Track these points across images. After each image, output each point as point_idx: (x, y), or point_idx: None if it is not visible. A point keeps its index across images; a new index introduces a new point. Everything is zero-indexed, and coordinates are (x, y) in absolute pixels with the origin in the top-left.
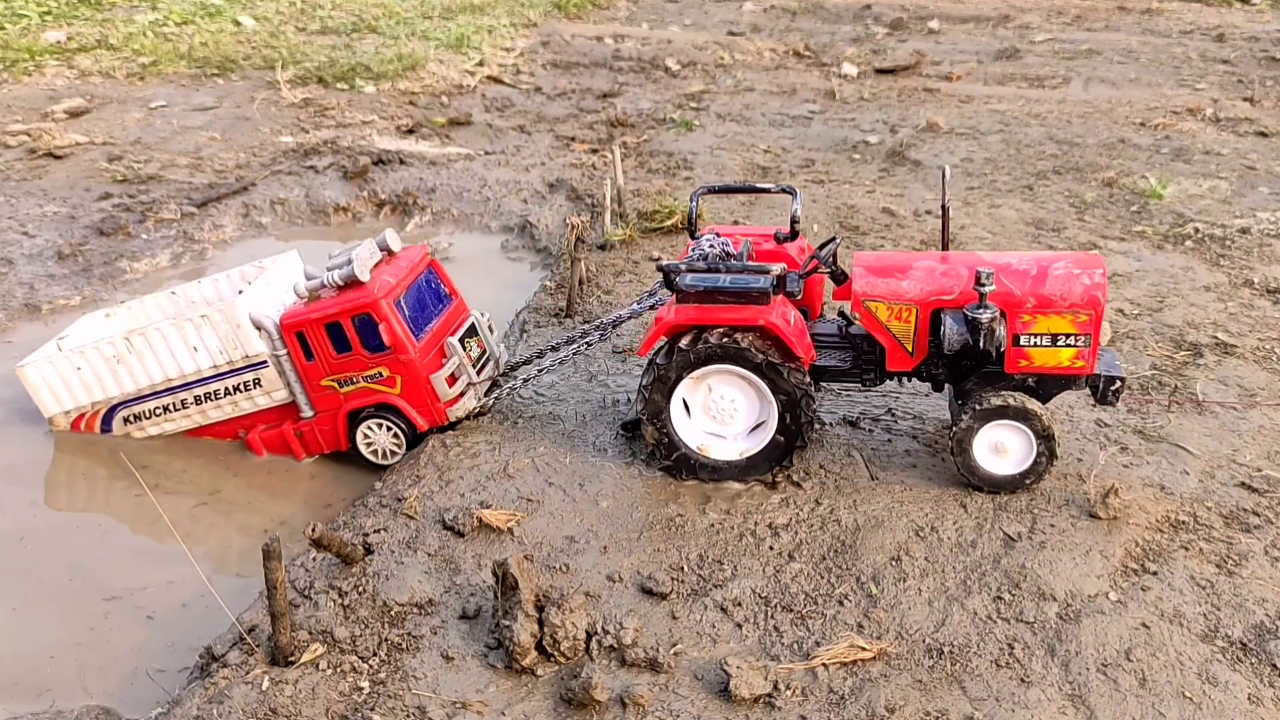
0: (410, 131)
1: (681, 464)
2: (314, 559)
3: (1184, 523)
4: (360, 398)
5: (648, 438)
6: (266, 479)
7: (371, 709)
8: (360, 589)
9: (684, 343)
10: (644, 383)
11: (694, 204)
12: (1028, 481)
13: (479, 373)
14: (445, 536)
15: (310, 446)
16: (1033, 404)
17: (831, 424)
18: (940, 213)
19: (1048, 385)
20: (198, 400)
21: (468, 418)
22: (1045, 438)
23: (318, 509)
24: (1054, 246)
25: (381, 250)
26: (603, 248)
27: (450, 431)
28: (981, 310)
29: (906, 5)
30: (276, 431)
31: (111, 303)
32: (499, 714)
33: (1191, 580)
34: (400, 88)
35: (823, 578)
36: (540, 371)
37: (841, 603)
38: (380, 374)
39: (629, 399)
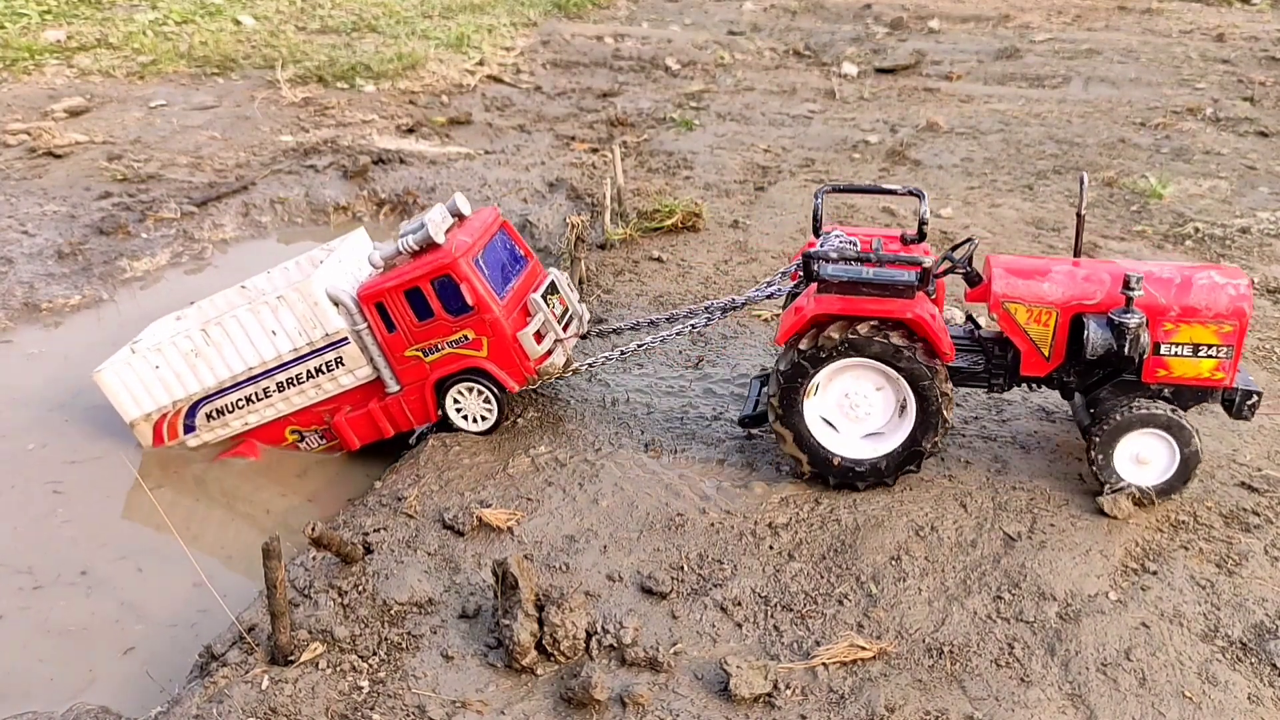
0: (410, 131)
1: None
2: (314, 558)
3: (1184, 523)
4: (447, 365)
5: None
6: (266, 478)
7: (371, 708)
8: (360, 588)
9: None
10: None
11: (818, 201)
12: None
13: (564, 330)
14: (445, 536)
15: (399, 423)
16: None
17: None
18: (1075, 219)
19: (1184, 396)
20: (280, 387)
21: (559, 376)
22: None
23: (318, 508)
24: (1054, 246)
25: (453, 215)
26: (603, 247)
27: (450, 431)
28: (1129, 315)
29: (906, 5)
30: (364, 413)
31: (110, 302)
32: (499, 713)
33: (1191, 580)
34: (400, 87)
35: (822, 577)
36: (640, 347)
37: (841, 602)
38: (465, 337)
39: (629, 398)
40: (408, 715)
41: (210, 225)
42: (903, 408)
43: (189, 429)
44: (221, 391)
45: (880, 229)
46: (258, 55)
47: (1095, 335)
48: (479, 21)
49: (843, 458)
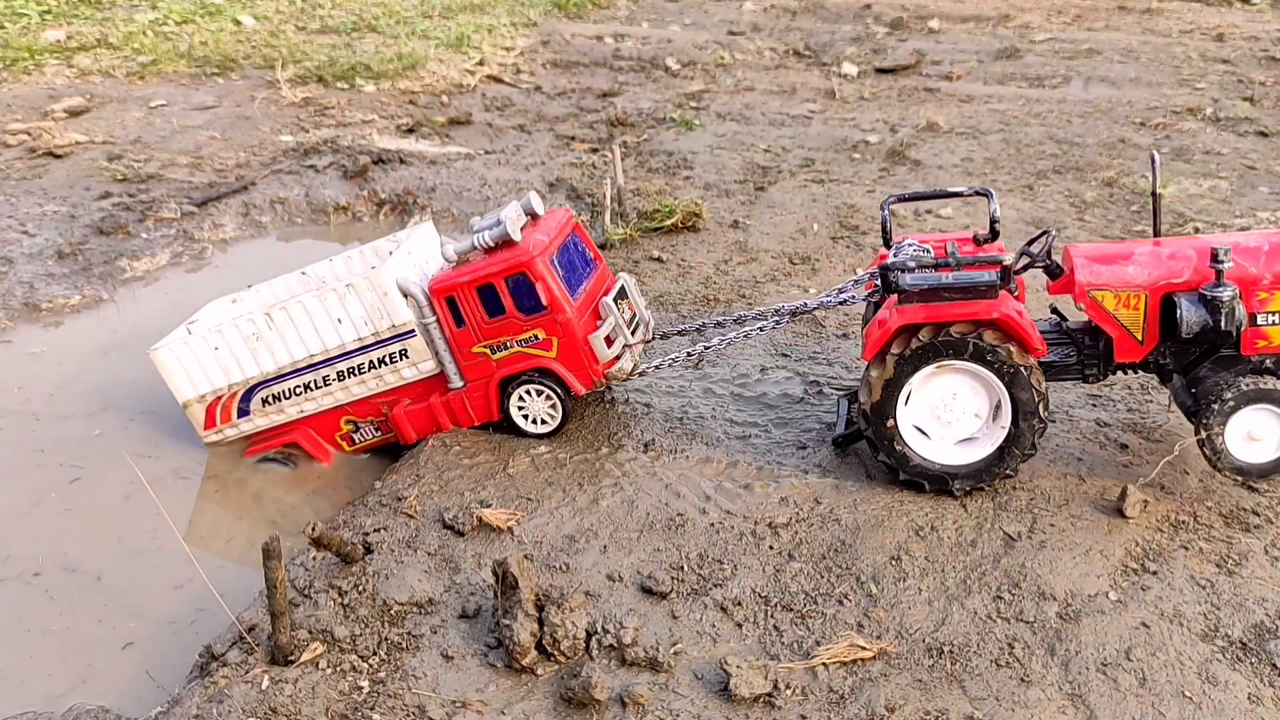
0: (410, 131)
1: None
2: (314, 558)
3: (1184, 523)
4: (514, 363)
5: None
6: (267, 478)
7: (371, 708)
8: (360, 588)
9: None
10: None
11: (885, 212)
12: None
13: (632, 335)
14: (445, 535)
15: (460, 419)
16: None
17: (832, 423)
18: (1151, 199)
19: None
20: (340, 376)
21: (625, 379)
22: None
23: (318, 508)
24: (1054, 246)
25: (526, 214)
26: (603, 247)
27: (450, 431)
28: (1221, 289)
29: (906, 5)
30: (424, 407)
31: (110, 302)
32: (499, 713)
33: (1191, 580)
34: (400, 87)
35: (822, 577)
36: (707, 349)
37: (841, 602)
38: (535, 337)
39: (629, 398)
40: (408, 715)
41: (210, 225)
42: (968, 441)
43: (243, 413)
44: (280, 377)
45: (952, 233)
46: (258, 55)
47: (1189, 313)
48: (479, 21)
49: (896, 425)
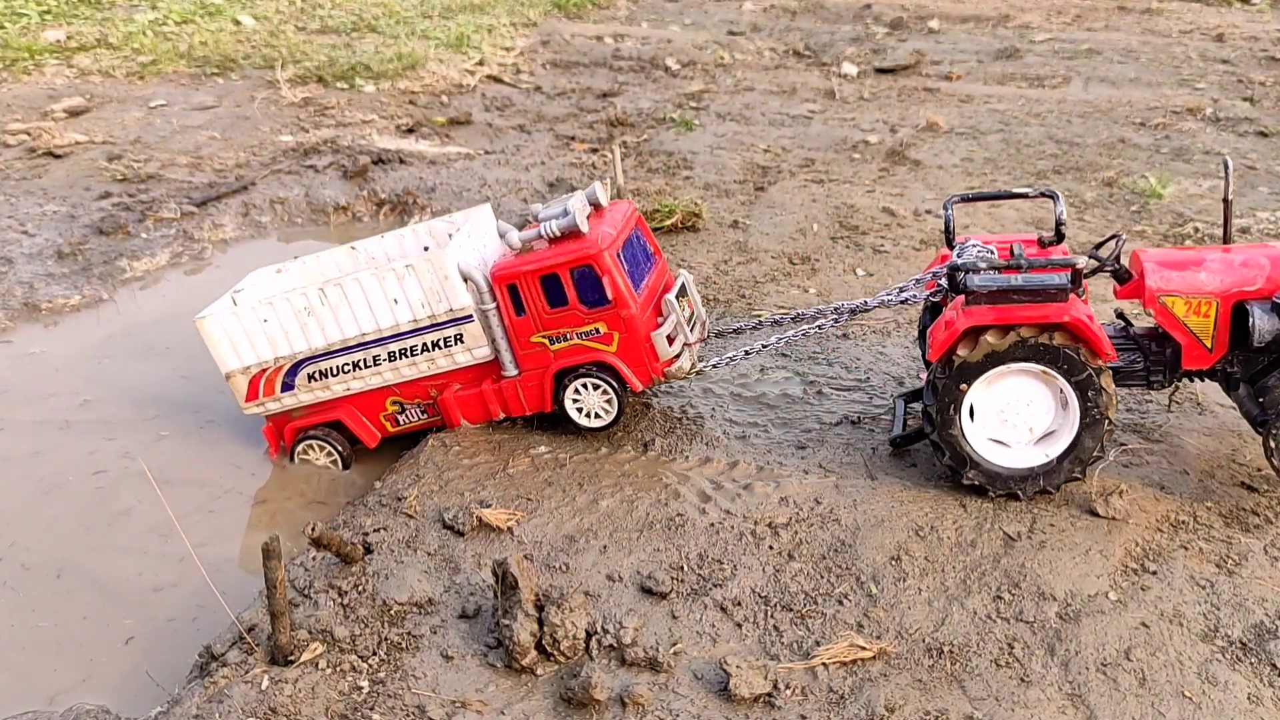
0: (410, 131)
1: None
2: (313, 558)
3: (1184, 523)
4: (572, 355)
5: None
6: (266, 478)
7: (371, 708)
8: (360, 588)
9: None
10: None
11: (948, 213)
12: None
13: (690, 333)
14: (445, 536)
15: (511, 407)
16: None
17: (832, 424)
18: (1223, 205)
19: None
20: (391, 357)
21: (683, 378)
22: None
23: (318, 508)
24: None
25: (590, 204)
26: None
27: (450, 431)
28: None
29: (906, 5)
30: (475, 393)
31: (110, 302)
32: (498, 713)
33: (1191, 580)
34: (400, 87)
35: (822, 577)
36: (764, 347)
37: (841, 602)
38: (597, 330)
39: (631, 398)
40: (408, 715)
41: (210, 225)
42: (1000, 443)
43: (287, 387)
44: (330, 353)
45: (1015, 235)
46: (258, 55)
47: (1262, 322)
48: (479, 21)
49: (966, 391)
